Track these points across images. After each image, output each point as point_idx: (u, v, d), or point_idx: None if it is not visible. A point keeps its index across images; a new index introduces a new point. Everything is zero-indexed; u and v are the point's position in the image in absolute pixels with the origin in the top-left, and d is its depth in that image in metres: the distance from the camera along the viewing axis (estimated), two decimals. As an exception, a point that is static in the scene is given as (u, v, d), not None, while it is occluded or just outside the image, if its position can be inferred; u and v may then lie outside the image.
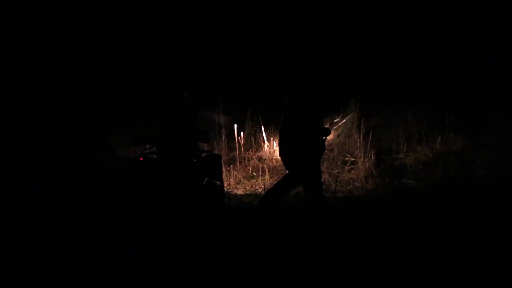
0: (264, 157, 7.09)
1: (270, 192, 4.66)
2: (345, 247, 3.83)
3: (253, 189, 5.70)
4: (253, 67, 9.66)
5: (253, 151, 7.19)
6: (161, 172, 4.01)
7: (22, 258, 3.29)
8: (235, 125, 6.39)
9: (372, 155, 6.45)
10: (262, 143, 7.32)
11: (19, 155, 4.67)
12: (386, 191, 5.59)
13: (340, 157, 6.59)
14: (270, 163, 6.86)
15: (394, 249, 3.80)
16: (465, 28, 9.26)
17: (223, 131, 6.96)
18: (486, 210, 4.76)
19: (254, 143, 7.61)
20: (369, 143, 6.57)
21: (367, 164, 6.15)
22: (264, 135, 7.19)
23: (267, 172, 6.20)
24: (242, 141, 6.39)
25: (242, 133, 6.47)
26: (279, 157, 7.20)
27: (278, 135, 4.96)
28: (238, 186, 5.99)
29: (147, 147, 4.98)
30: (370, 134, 6.90)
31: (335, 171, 6.19)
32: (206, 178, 3.97)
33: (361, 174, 5.97)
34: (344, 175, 6.11)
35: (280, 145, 4.62)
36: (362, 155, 6.31)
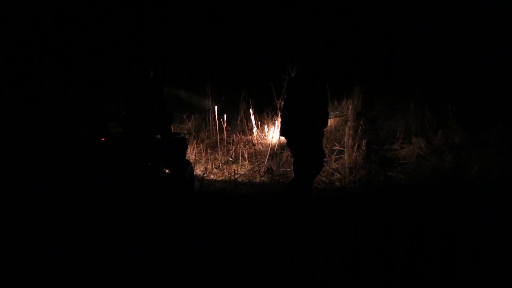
0: (254, 141, 6.72)
1: (292, 187, 4.16)
2: (307, 245, 3.46)
3: (230, 175, 5.33)
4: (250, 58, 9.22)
5: (240, 135, 6.81)
6: (110, 156, 3.70)
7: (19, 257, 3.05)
8: (216, 107, 5.99)
9: (363, 145, 5.99)
10: (253, 127, 6.94)
11: (19, 155, 4.44)
12: (369, 184, 5.13)
13: (328, 146, 6.14)
14: (257, 148, 6.48)
15: (358, 249, 3.40)
16: (473, 26, 8.56)
17: (211, 114, 6.60)
18: (476, 208, 4.28)
19: (246, 126, 7.25)
20: (359, 131, 6.08)
21: (354, 154, 5.69)
22: (252, 118, 6.79)
23: (246, 158, 5.81)
24: (225, 124, 6.00)
25: (225, 115, 6.07)
26: (268, 142, 6.88)
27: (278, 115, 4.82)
28: (216, 171, 5.64)
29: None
30: (361, 122, 6.42)
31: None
32: (149, 164, 3.62)
33: (346, 164, 5.54)
34: (329, 165, 5.67)
35: (282, 121, 4.14)
36: (351, 144, 5.85)
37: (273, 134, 6.75)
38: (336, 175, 5.37)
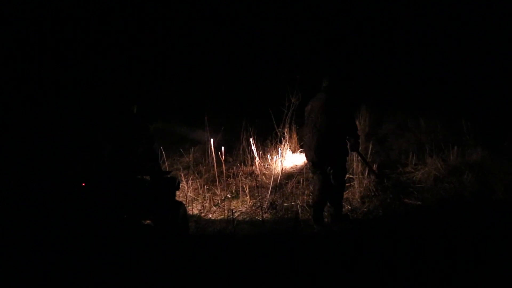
0: (256, 172, 6.18)
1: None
2: None
3: (230, 213, 4.77)
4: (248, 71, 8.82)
5: (242, 166, 6.29)
6: (88, 206, 3.20)
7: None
8: (211, 139, 5.49)
9: (375, 169, 5.40)
10: (255, 157, 6.41)
11: (19, 155, 4.16)
12: (385, 216, 4.51)
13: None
14: (260, 180, 5.94)
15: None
16: (483, 40, 8.09)
17: (208, 144, 6.10)
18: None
19: (248, 156, 6.73)
20: (369, 154, 5.52)
21: (365, 181, 5.11)
22: (254, 148, 6.26)
23: (247, 193, 5.26)
24: (223, 157, 5.48)
25: (223, 147, 5.56)
26: (272, 172, 6.32)
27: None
28: (215, 208, 5.09)
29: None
30: (370, 144, 5.86)
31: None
32: (125, 216, 3.11)
33: (357, 194, 4.95)
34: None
35: (314, 144, 4.10)
36: (361, 170, 5.27)
37: (276, 163, 6.22)
38: (347, 207, 4.77)
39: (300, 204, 4.82)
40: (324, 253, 3.66)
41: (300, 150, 7.15)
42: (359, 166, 5.31)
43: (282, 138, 6.77)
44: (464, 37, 8.39)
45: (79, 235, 3.01)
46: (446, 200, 4.77)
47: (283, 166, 6.14)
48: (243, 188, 5.31)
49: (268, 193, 5.14)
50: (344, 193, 5.09)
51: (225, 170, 5.71)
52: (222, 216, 4.84)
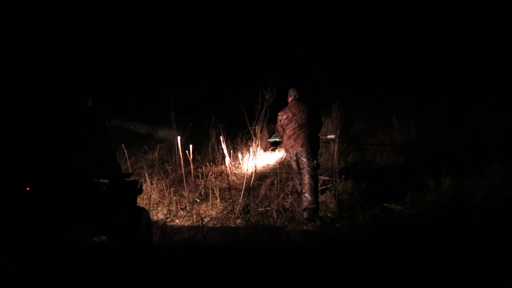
0: (226, 172, 5.68)
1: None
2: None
3: (198, 219, 4.27)
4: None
5: (211, 166, 5.79)
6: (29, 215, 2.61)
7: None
8: (179, 137, 4.94)
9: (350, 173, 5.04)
10: (225, 156, 5.92)
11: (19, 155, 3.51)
12: (366, 224, 4.13)
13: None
14: (231, 180, 5.45)
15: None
16: (463, 41, 7.99)
17: (175, 142, 5.54)
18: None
19: (218, 155, 6.24)
20: (349, 156, 5.16)
21: (343, 184, 4.72)
22: (224, 147, 5.78)
23: (218, 195, 4.76)
24: (191, 156, 4.95)
25: (190, 145, 5.02)
26: (243, 172, 5.85)
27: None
28: (182, 213, 4.56)
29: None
30: (344, 143, 5.52)
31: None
32: (71, 233, 2.55)
33: (335, 201, 4.48)
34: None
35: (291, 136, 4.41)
36: (337, 170, 4.87)
37: (247, 163, 5.75)
38: (328, 215, 4.34)
39: (275, 209, 4.38)
40: (308, 266, 3.24)
41: (271, 148, 6.74)
42: (337, 167, 4.94)
43: (254, 136, 6.32)
44: (435, 34, 8.27)
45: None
46: (426, 205, 4.49)
47: (255, 166, 5.69)
48: (213, 190, 4.82)
49: (240, 195, 4.67)
50: (322, 196, 4.72)
51: (193, 169, 5.19)
52: (191, 222, 4.33)
